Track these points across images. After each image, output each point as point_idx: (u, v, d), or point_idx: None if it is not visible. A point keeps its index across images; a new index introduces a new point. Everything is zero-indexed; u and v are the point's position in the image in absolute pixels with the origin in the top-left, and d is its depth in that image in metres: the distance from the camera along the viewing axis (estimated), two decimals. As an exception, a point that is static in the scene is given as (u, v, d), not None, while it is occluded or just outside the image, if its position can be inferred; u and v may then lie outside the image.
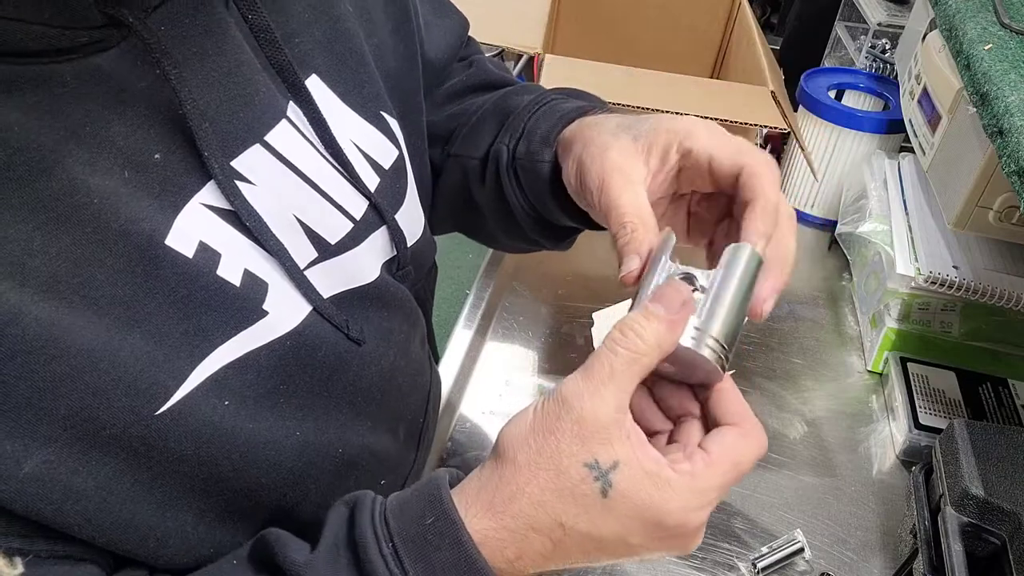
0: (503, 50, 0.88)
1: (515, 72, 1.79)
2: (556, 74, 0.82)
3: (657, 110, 0.79)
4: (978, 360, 0.80)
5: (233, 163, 0.39)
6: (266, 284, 0.40)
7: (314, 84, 0.45)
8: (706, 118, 0.78)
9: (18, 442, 0.31)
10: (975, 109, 0.63)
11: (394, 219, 0.48)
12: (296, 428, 0.42)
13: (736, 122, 0.80)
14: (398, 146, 0.50)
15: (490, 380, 0.78)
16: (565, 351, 0.81)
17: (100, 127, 0.34)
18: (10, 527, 0.32)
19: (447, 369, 0.77)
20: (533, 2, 0.95)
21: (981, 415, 0.75)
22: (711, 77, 1.17)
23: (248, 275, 0.39)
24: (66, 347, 0.32)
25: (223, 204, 0.38)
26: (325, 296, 0.43)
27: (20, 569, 0.33)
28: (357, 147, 0.47)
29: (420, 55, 0.55)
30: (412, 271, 0.53)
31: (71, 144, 0.33)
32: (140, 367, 0.34)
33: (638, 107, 0.79)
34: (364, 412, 0.48)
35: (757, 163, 0.42)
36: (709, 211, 0.47)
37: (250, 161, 0.40)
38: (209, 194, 0.38)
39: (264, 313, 0.39)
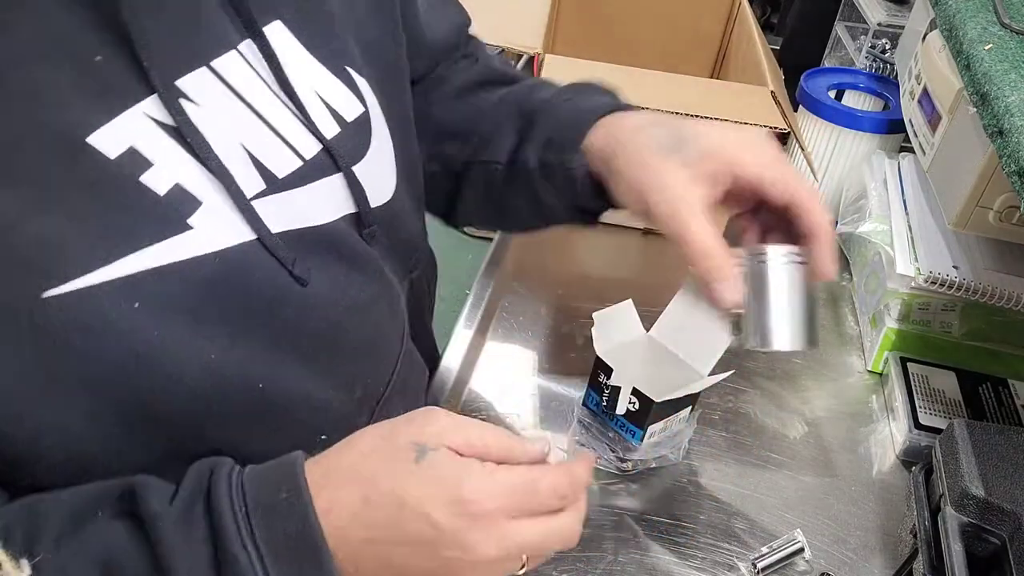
0: (503, 50, 0.88)
1: (515, 72, 1.79)
2: (556, 74, 0.82)
3: (658, 110, 0.79)
4: (978, 360, 0.80)
5: (177, 82, 0.41)
6: (199, 202, 0.40)
7: (277, 29, 0.46)
8: (706, 118, 0.78)
9: None
10: (975, 109, 0.63)
11: (351, 170, 0.49)
12: (213, 351, 0.41)
13: (736, 122, 0.80)
14: (364, 104, 0.51)
15: (490, 380, 0.78)
16: (565, 351, 0.81)
17: (45, 20, 0.36)
18: None
19: (447, 369, 0.77)
20: (533, 2, 0.95)
21: (981, 415, 0.75)
22: (711, 77, 1.17)
23: (178, 188, 0.40)
24: None
25: (167, 120, 0.40)
26: (273, 231, 0.44)
27: (27, 572, 0.33)
28: (319, 96, 0.48)
29: (403, 32, 0.57)
30: (380, 234, 0.53)
31: (11, 29, 0.35)
32: (41, 247, 0.35)
33: (638, 107, 0.79)
34: (310, 360, 0.47)
35: (807, 199, 0.48)
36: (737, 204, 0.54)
37: (195, 82, 0.41)
38: (153, 106, 0.39)
39: (188, 227, 0.40)
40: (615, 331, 0.66)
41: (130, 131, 0.38)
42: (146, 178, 0.39)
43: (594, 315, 0.63)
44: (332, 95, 0.49)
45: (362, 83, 0.52)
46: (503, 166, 0.59)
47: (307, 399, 0.48)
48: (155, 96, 0.39)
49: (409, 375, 0.61)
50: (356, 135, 0.50)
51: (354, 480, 0.40)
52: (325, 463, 0.42)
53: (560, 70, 0.84)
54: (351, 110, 0.50)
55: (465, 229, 2.44)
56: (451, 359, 0.78)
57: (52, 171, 0.36)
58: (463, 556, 0.39)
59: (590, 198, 0.56)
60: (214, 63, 0.42)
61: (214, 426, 0.43)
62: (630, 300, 0.67)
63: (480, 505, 0.39)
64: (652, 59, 1.09)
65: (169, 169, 0.40)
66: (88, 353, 0.37)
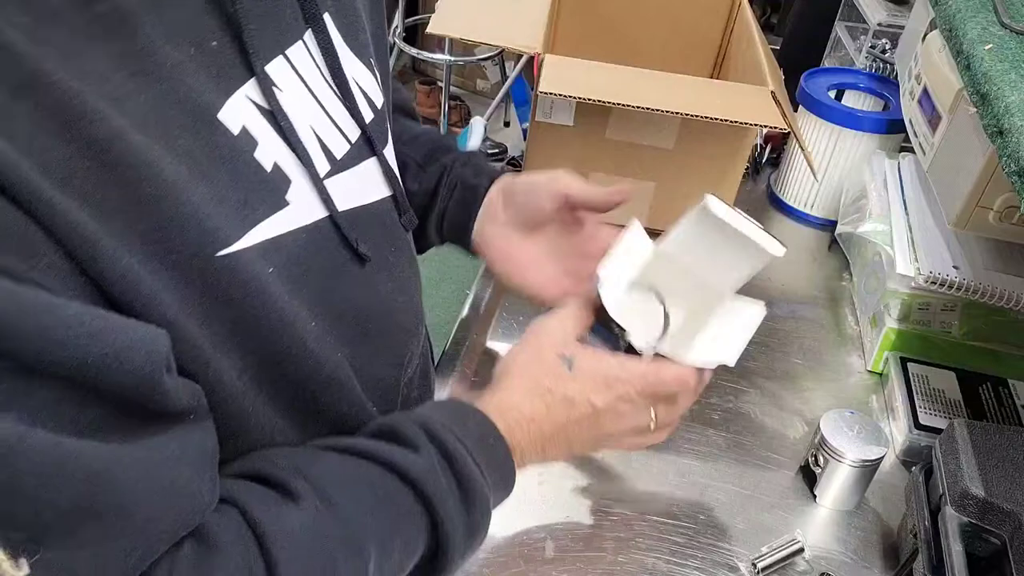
0: (503, 50, 0.88)
1: (515, 72, 1.78)
2: (556, 74, 0.82)
3: (658, 110, 0.79)
4: (978, 360, 0.80)
5: (266, 68, 0.44)
6: (290, 180, 0.44)
7: (327, 21, 0.50)
8: (706, 118, 0.78)
9: (112, 241, 0.35)
10: (975, 109, 0.63)
11: (382, 154, 0.53)
12: (312, 319, 0.46)
13: (736, 122, 0.80)
14: (381, 93, 0.56)
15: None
16: (565, 351, 0.81)
17: (175, 4, 0.39)
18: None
19: (447, 369, 0.77)
20: (533, 2, 0.95)
21: (981, 415, 0.75)
22: (711, 77, 1.17)
23: (276, 167, 0.43)
24: (155, 173, 0.36)
25: (263, 103, 0.43)
26: (339, 209, 0.48)
27: (25, 570, 0.32)
28: (357, 83, 0.52)
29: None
30: (415, 219, 0.58)
31: (151, 13, 0.38)
32: (208, 211, 0.39)
33: (638, 107, 0.79)
34: (370, 335, 0.51)
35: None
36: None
37: (277, 69, 0.45)
38: (252, 90, 0.43)
39: (286, 203, 0.44)
40: (623, 275, 0.59)
41: (240, 110, 0.42)
42: (257, 154, 0.42)
43: (599, 272, 0.58)
44: (366, 83, 0.53)
45: (377, 75, 0.56)
46: (417, 163, 0.69)
47: (367, 372, 0.52)
48: (253, 80, 0.43)
49: (427, 357, 0.66)
50: (382, 121, 0.55)
51: (528, 391, 0.54)
52: (503, 399, 0.54)
53: (560, 70, 0.84)
54: (377, 98, 0.54)
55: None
56: (451, 359, 0.78)
57: (195, 144, 0.39)
58: (615, 422, 0.55)
59: (465, 223, 0.67)
60: (288, 52, 0.46)
61: (322, 383, 0.47)
62: (622, 242, 0.60)
63: (619, 384, 0.55)
64: (652, 59, 1.09)
65: (269, 148, 0.43)
66: (244, 311, 0.41)
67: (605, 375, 0.55)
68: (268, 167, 0.43)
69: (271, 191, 0.43)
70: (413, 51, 2.69)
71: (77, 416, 0.34)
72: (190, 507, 0.38)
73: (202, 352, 0.40)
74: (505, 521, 0.64)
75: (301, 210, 0.45)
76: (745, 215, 0.56)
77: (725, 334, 0.60)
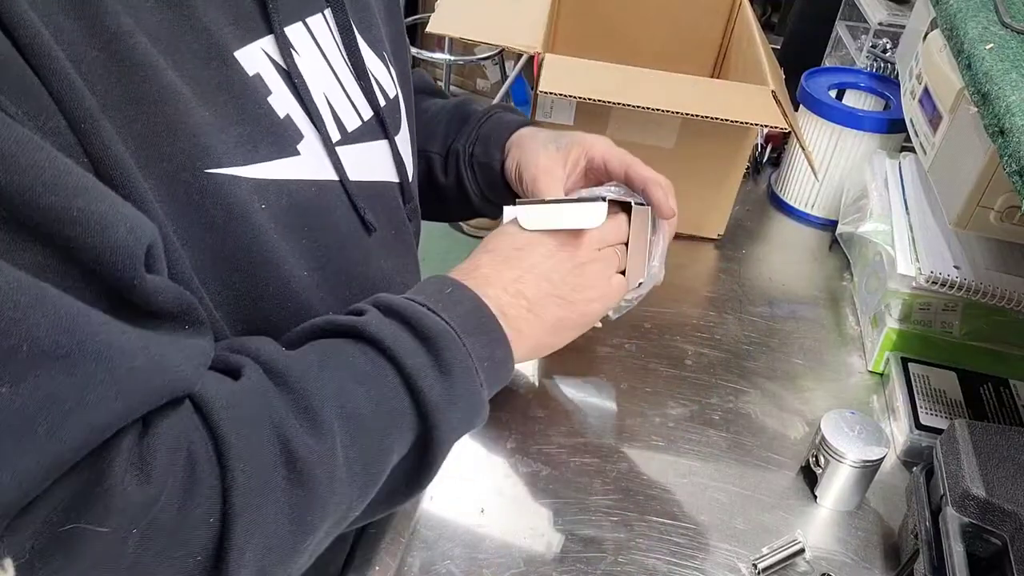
0: (503, 50, 0.88)
1: (515, 72, 1.78)
2: (556, 74, 0.82)
3: (657, 110, 0.79)
4: (979, 360, 0.80)
5: (286, 29, 0.45)
6: (302, 134, 0.45)
7: (343, 6, 0.52)
8: (707, 118, 0.78)
9: (111, 126, 0.35)
10: (976, 109, 0.63)
11: (394, 140, 0.54)
12: (305, 269, 0.46)
13: (736, 122, 0.80)
14: (396, 86, 0.57)
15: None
16: (565, 351, 0.81)
17: None
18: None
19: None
20: (533, 2, 0.95)
21: (982, 415, 0.74)
22: (711, 77, 1.17)
23: (289, 118, 0.44)
24: (157, 76, 0.37)
25: (279, 60, 0.44)
26: (350, 178, 0.49)
27: (11, 572, 0.32)
28: (369, 70, 0.53)
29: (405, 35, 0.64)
30: (418, 209, 0.59)
31: None
32: (201, 131, 0.39)
33: (638, 107, 0.79)
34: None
35: (640, 165, 0.62)
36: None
37: (296, 33, 0.46)
38: (269, 45, 0.44)
39: (297, 152, 0.45)
40: None
41: (256, 61, 0.43)
42: (271, 100, 0.43)
43: (515, 206, 0.60)
44: (379, 73, 0.54)
45: (392, 71, 0.57)
46: (439, 155, 0.71)
47: None
48: (271, 37, 0.44)
49: None
50: (394, 111, 0.56)
51: (477, 256, 0.55)
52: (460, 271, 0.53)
53: (560, 70, 0.84)
54: (390, 88, 0.56)
55: (464, 228, 2.45)
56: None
57: (207, 72, 0.40)
58: (577, 257, 0.55)
59: (501, 189, 0.69)
60: (308, 20, 0.48)
61: (278, 336, 0.46)
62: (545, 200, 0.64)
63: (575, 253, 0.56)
64: (652, 59, 1.09)
65: (282, 100, 0.44)
66: (226, 237, 0.40)
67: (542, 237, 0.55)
68: (281, 115, 0.44)
69: (280, 136, 0.44)
70: (413, 50, 2.69)
71: (59, 284, 0.31)
72: (173, 381, 0.35)
73: (181, 274, 0.38)
74: (505, 521, 0.64)
75: (311, 164, 0.45)
76: (558, 199, 0.62)
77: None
